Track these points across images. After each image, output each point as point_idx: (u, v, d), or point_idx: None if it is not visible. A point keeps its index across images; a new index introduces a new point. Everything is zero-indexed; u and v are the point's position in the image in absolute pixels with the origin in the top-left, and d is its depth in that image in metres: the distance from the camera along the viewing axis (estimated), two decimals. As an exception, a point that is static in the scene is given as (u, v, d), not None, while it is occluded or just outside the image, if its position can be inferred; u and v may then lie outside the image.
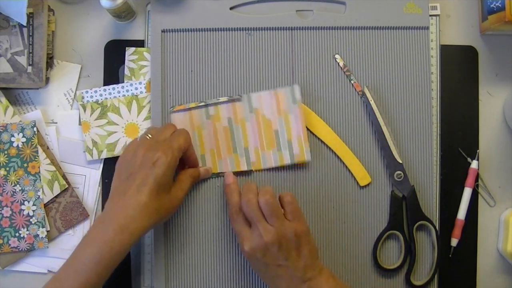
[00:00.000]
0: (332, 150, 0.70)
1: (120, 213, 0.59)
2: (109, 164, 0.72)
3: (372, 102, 0.69)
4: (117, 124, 0.71)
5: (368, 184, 0.70)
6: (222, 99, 0.70)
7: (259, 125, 0.69)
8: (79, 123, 0.72)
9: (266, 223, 0.62)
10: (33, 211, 0.70)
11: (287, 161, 0.69)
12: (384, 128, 0.69)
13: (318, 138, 0.70)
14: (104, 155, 0.71)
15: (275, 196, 0.63)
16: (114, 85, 0.72)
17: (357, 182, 0.70)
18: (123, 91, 0.72)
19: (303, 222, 0.64)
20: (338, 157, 0.70)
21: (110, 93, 0.72)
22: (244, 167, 0.69)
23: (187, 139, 0.64)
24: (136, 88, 0.72)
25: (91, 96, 0.72)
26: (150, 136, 0.64)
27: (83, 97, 0.72)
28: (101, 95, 0.72)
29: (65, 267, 0.58)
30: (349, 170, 0.70)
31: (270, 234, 0.61)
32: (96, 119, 0.71)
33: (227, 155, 0.70)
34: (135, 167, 0.61)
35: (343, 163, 0.70)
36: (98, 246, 0.58)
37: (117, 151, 0.71)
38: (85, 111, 0.72)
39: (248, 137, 0.70)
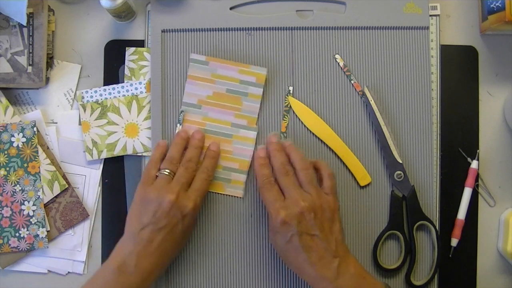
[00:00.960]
0: (332, 150, 0.70)
1: (145, 260, 0.61)
2: (109, 164, 0.72)
3: (372, 102, 0.69)
4: (117, 124, 0.71)
5: (368, 184, 0.70)
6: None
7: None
8: (79, 123, 0.72)
9: (303, 190, 0.62)
10: (33, 211, 0.70)
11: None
12: (384, 128, 0.69)
13: (318, 138, 0.70)
14: (104, 155, 0.71)
15: (311, 165, 0.65)
16: (114, 85, 0.72)
17: (357, 182, 0.70)
18: (123, 91, 0.72)
19: (337, 199, 0.64)
20: (338, 157, 0.70)
21: (110, 93, 0.72)
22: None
23: (207, 184, 0.66)
24: (136, 88, 0.72)
25: (91, 96, 0.72)
26: (168, 172, 0.65)
27: (83, 97, 0.72)
28: (101, 95, 0.72)
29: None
30: (349, 170, 0.70)
31: (307, 201, 0.61)
32: (96, 119, 0.71)
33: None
34: (162, 212, 0.62)
35: (343, 163, 0.70)
36: (113, 279, 0.60)
37: (117, 151, 0.71)
38: (85, 111, 0.72)
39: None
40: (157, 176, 0.65)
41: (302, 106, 0.70)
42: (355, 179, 0.70)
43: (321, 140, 0.70)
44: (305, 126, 0.70)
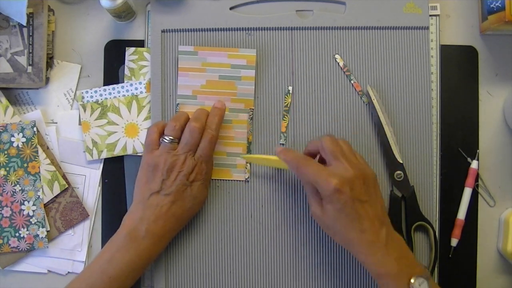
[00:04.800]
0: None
1: (155, 224, 0.63)
2: (109, 164, 0.72)
3: (375, 101, 0.69)
4: (117, 124, 0.71)
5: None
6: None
7: None
8: (79, 123, 0.72)
9: (350, 159, 0.62)
10: (33, 211, 0.70)
11: None
12: (386, 128, 0.69)
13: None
14: (104, 155, 0.71)
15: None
16: (114, 85, 0.72)
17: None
18: (123, 91, 0.72)
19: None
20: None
21: (110, 93, 0.72)
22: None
23: (214, 142, 0.66)
24: (136, 88, 0.72)
25: (91, 96, 0.72)
26: (174, 140, 0.65)
27: (83, 97, 0.72)
28: (101, 95, 0.72)
29: (95, 271, 0.61)
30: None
31: (356, 167, 0.61)
32: (96, 119, 0.71)
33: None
34: (169, 179, 0.64)
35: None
36: (136, 255, 0.62)
37: (117, 151, 0.71)
38: (85, 111, 0.72)
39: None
40: (160, 142, 0.66)
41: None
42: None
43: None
44: (305, 125, 0.70)
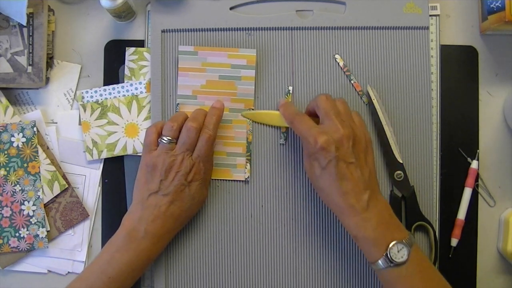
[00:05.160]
0: None
1: (154, 224, 0.63)
2: (109, 164, 0.72)
3: (375, 101, 0.69)
4: (117, 124, 0.71)
5: None
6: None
7: None
8: (79, 123, 0.72)
9: (341, 119, 0.62)
10: (33, 211, 0.70)
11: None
12: (386, 128, 0.69)
13: None
14: (104, 155, 0.71)
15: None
16: (114, 85, 0.72)
17: None
18: (123, 91, 0.72)
19: (368, 133, 0.65)
20: None
21: (110, 93, 0.72)
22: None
23: (213, 140, 0.66)
24: (136, 88, 0.72)
25: (91, 96, 0.72)
26: (168, 139, 0.65)
27: (83, 97, 0.72)
28: (101, 95, 0.72)
29: (94, 272, 0.61)
30: None
31: (347, 128, 0.61)
32: (96, 119, 0.71)
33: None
34: (167, 180, 0.64)
35: None
36: (135, 255, 0.62)
37: (117, 151, 0.71)
38: (85, 111, 0.72)
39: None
40: (159, 142, 0.66)
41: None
42: None
43: None
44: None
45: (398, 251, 0.58)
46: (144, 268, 0.64)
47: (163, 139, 0.65)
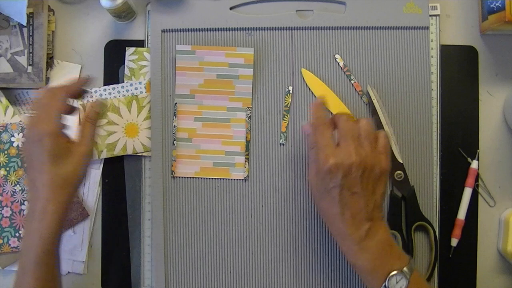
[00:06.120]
0: None
1: (37, 200, 0.58)
2: (109, 164, 0.72)
3: (375, 101, 0.69)
4: (117, 124, 0.71)
5: None
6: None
7: None
8: (79, 123, 0.72)
9: (359, 143, 0.60)
10: (33, 211, 0.70)
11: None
12: (386, 128, 0.69)
13: (329, 111, 0.70)
14: (104, 155, 0.71)
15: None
16: (114, 85, 0.72)
17: None
18: (123, 91, 0.72)
19: (389, 161, 0.62)
20: None
21: (110, 93, 0.72)
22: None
23: (61, 106, 0.60)
24: (136, 88, 0.72)
25: (91, 96, 0.72)
26: (33, 113, 0.61)
27: (82, 97, 0.72)
28: (101, 95, 0.72)
29: (17, 270, 0.59)
30: None
31: (361, 156, 0.59)
32: (96, 119, 0.71)
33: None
34: (28, 150, 0.59)
35: None
36: (31, 239, 0.58)
37: (117, 151, 0.71)
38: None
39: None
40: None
41: (314, 78, 0.70)
42: None
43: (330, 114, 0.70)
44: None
45: (396, 282, 0.57)
46: (50, 249, 0.59)
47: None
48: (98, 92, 0.72)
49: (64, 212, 0.59)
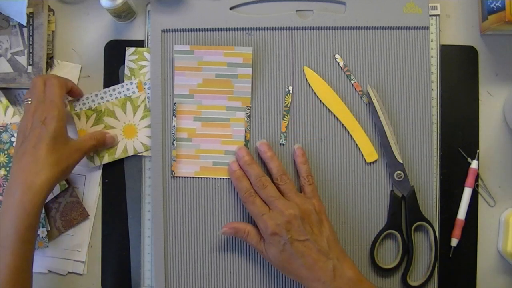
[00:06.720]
0: (342, 124, 0.70)
1: (23, 173, 0.60)
2: (109, 164, 0.72)
3: (375, 101, 0.69)
4: (115, 127, 0.71)
5: (374, 161, 0.70)
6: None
7: None
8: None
9: (285, 199, 0.64)
10: (33, 211, 0.70)
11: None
12: (386, 128, 0.69)
13: (329, 111, 0.71)
14: (106, 159, 0.71)
15: (287, 172, 0.66)
16: (105, 89, 0.72)
17: (364, 158, 0.70)
18: (115, 94, 0.72)
19: (320, 200, 0.66)
20: (347, 131, 0.70)
21: (102, 98, 0.72)
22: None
23: (61, 85, 0.65)
24: (128, 89, 0.72)
25: (84, 104, 0.71)
26: (30, 100, 0.64)
27: (75, 106, 0.71)
28: (93, 101, 0.71)
29: None
30: (356, 145, 0.70)
31: (292, 208, 0.62)
32: (92, 126, 0.71)
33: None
34: (27, 130, 0.62)
35: (352, 137, 0.70)
36: (13, 212, 0.59)
37: (118, 154, 0.71)
38: (80, 119, 0.71)
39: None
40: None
41: (316, 76, 0.70)
42: (362, 155, 0.70)
43: (331, 114, 0.71)
44: (305, 125, 0.71)
45: None
46: (29, 222, 0.60)
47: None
48: (90, 98, 0.71)
49: (50, 188, 0.61)
